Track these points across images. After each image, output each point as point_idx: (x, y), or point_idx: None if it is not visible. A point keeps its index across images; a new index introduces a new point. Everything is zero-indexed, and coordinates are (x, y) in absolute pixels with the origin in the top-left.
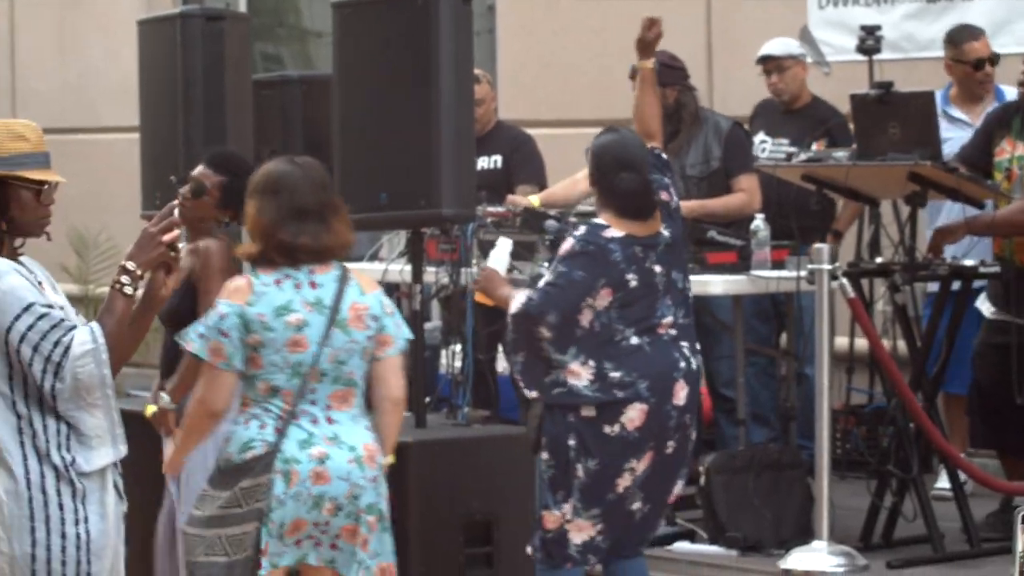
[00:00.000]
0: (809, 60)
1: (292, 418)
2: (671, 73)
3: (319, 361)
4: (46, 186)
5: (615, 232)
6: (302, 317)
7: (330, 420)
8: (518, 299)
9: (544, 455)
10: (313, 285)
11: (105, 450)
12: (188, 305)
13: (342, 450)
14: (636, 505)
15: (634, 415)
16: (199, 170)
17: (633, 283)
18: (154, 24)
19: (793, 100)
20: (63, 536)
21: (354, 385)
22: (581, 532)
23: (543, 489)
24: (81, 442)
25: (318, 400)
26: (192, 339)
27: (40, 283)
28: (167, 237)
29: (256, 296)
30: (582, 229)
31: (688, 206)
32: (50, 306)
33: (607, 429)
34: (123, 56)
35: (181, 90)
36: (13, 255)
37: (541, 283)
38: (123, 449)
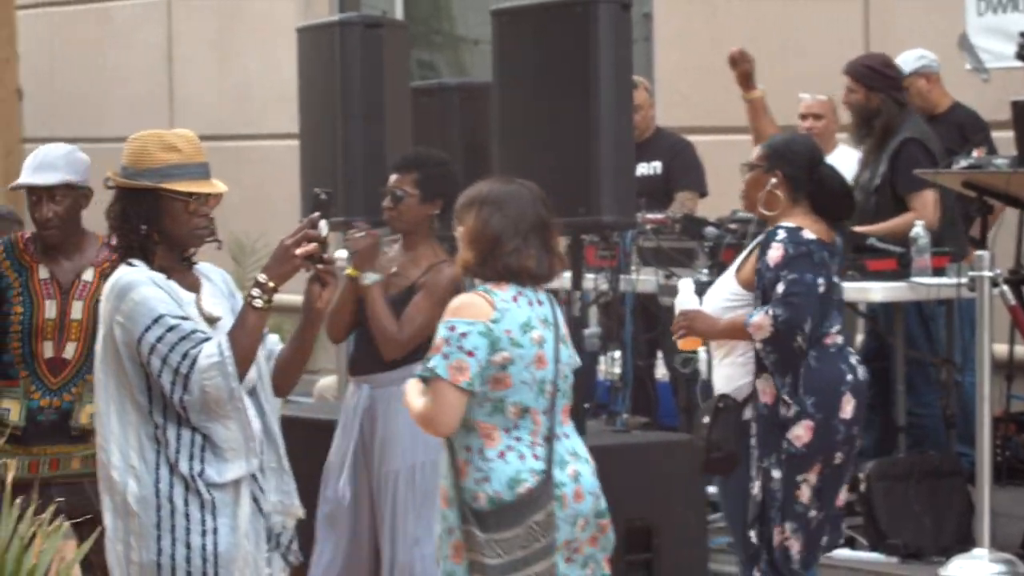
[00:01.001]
0: (968, 67)
1: (547, 441)
2: (879, 78)
3: (557, 377)
4: (192, 197)
5: (811, 234)
6: (541, 334)
7: (566, 435)
8: (759, 322)
9: (776, 474)
10: (539, 303)
11: (239, 463)
12: (395, 305)
13: (584, 464)
14: (812, 514)
15: (801, 432)
16: (390, 180)
17: (822, 288)
18: (313, 31)
19: (931, 109)
20: (188, 546)
21: (570, 398)
22: (795, 545)
23: (759, 507)
24: (215, 454)
25: (555, 417)
26: (430, 359)
27: (199, 292)
28: (300, 251)
29: (500, 313)
30: (781, 233)
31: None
32: (184, 318)
33: (782, 447)
34: (281, 64)
35: (340, 97)
36: (172, 265)
37: (776, 298)
38: (255, 463)
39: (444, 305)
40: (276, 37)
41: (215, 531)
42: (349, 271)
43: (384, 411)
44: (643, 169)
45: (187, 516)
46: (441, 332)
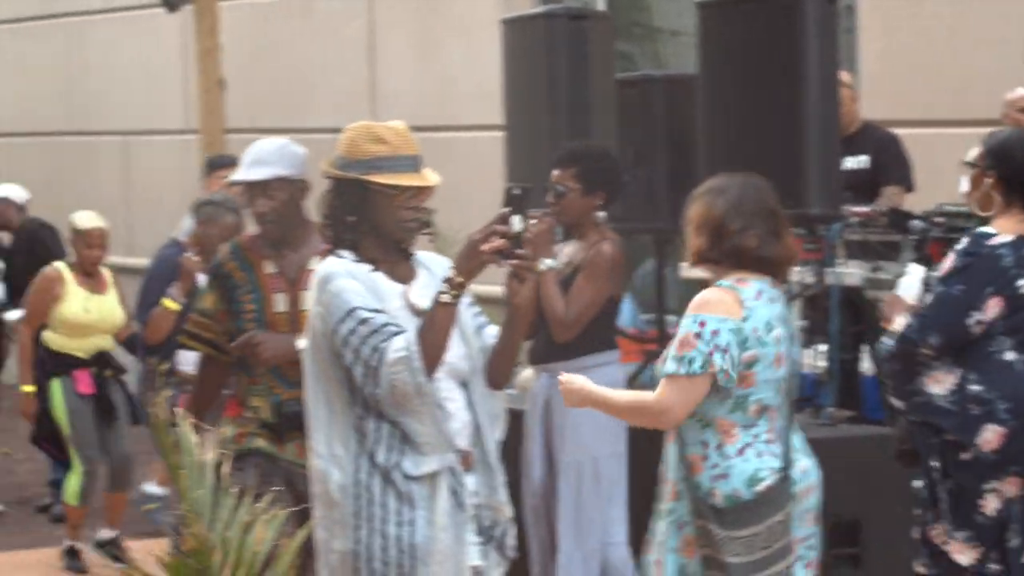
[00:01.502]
0: None
1: (782, 439)
2: None
3: (790, 375)
4: (395, 190)
5: (1004, 237)
6: (780, 332)
7: (793, 433)
8: (900, 323)
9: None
10: (775, 300)
11: (435, 457)
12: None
13: (809, 459)
14: (1015, 542)
15: (990, 436)
16: (553, 175)
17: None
18: (518, 23)
19: None
20: (383, 536)
21: (793, 396)
22: (963, 554)
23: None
24: (412, 447)
25: (788, 415)
26: (694, 359)
27: (410, 283)
28: (487, 247)
29: (749, 311)
30: (963, 242)
31: None
32: (378, 311)
33: (963, 455)
34: (483, 56)
35: (545, 89)
36: (383, 256)
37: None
38: (451, 457)
39: (606, 281)
40: (478, 29)
41: (411, 523)
42: None
43: (561, 400)
44: (850, 163)
45: (384, 506)
46: (690, 327)
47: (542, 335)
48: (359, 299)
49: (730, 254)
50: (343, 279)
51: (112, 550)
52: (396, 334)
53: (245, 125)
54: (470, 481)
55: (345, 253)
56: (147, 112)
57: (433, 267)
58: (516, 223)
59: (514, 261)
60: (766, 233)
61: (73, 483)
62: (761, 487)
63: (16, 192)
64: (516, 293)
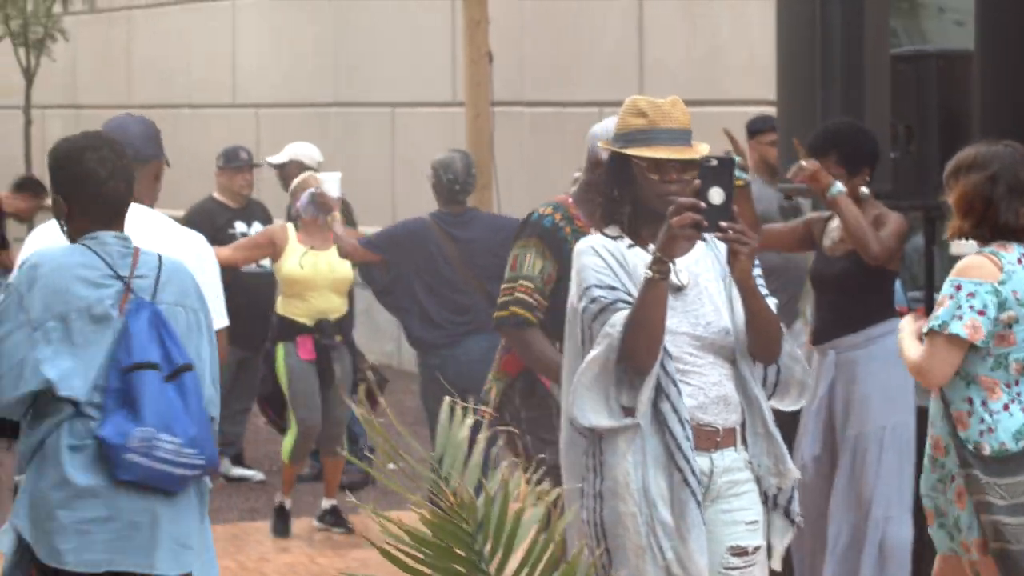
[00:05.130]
0: None
1: None
2: None
3: None
4: (645, 163)
5: None
6: None
7: None
8: None
9: None
10: None
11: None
12: (851, 268)
13: None
14: None
15: None
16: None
17: None
18: None
19: None
20: (584, 495)
21: None
22: None
23: None
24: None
25: None
26: (945, 320)
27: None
28: (675, 221)
29: (1007, 275)
30: None
31: None
32: (613, 288)
33: None
34: (753, 27)
35: (819, 63)
36: (650, 231)
37: None
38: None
39: (900, 222)
40: (748, 2)
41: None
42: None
43: (850, 375)
44: None
45: (592, 470)
46: (946, 290)
47: (823, 315)
48: (596, 277)
49: (997, 229)
50: (588, 256)
51: (330, 519)
52: (620, 311)
53: (511, 98)
54: (730, 457)
55: (610, 229)
56: (414, 84)
57: (716, 242)
58: (715, 196)
59: (718, 234)
60: None
61: (288, 442)
62: None
63: (307, 153)
64: (733, 267)
